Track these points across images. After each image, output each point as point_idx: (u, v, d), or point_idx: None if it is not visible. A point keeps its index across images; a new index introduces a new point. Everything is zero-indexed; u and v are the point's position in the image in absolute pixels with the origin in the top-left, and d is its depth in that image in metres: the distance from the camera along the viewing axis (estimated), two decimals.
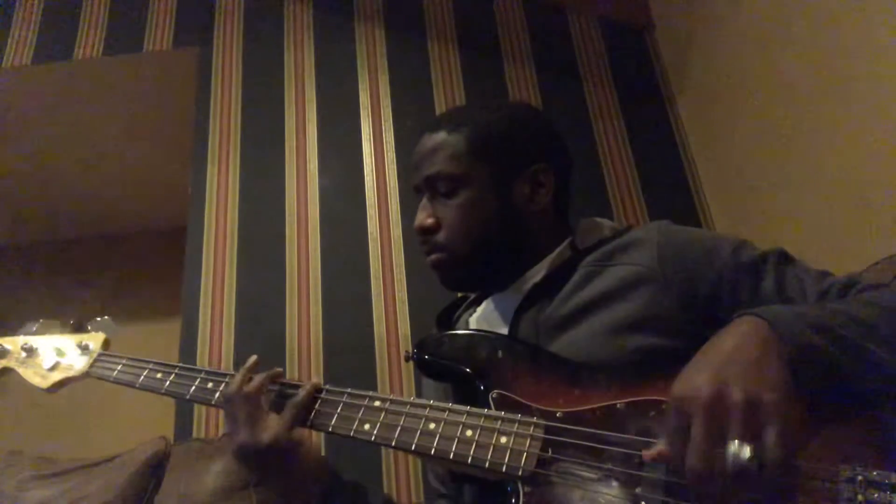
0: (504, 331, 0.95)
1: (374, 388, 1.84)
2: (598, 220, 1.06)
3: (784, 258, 0.87)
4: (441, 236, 0.99)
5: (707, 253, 0.88)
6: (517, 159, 1.02)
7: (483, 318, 1.05)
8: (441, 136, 1.02)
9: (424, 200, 1.03)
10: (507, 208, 0.99)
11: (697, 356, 0.67)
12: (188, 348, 1.94)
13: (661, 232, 0.92)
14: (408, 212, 2.10)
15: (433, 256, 1.00)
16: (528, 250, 1.01)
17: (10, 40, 2.45)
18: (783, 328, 0.65)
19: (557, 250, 1.01)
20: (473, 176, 0.99)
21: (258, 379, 0.93)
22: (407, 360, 0.91)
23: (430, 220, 1.00)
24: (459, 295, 1.19)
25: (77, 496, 1.65)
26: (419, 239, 1.03)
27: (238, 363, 1.87)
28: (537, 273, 0.99)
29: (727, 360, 0.63)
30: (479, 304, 1.09)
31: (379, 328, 1.94)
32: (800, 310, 0.71)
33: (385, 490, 1.70)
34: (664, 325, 0.84)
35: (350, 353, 1.90)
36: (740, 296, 0.84)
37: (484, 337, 0.91)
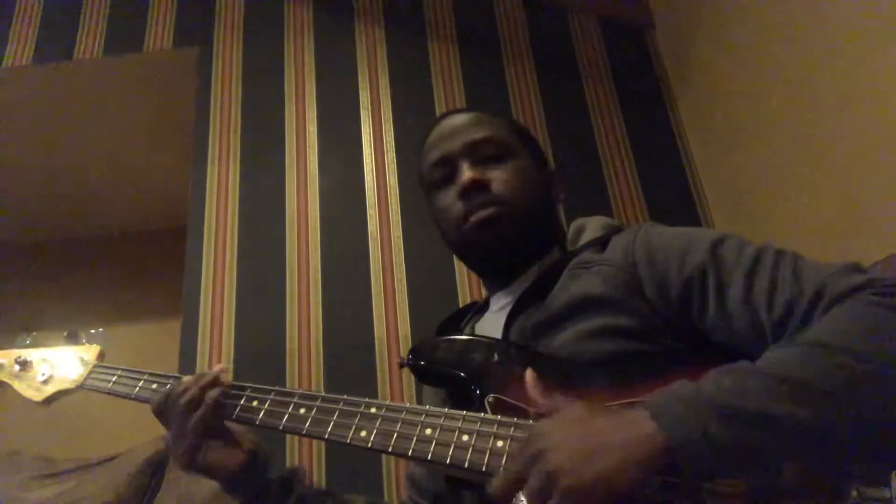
0: (499, 336, 0.94)
1: (374, 388, 1.84)
2: (591, 218, 1.05)
3: (762, 257, 0.79)
4: (498, 189, 0.97)
5: (680, 254, 0.83)
6: (542, 156, 1.09)
7: (485, 324, 1.05)
8: (477, 115, 1.06)
9: (465, 164, 0.99)
10: (545, 187, 1.04)
11: (578, 414, 0.66)
12: (188, 348, 1.94)
13: (641, 232, 0.90)
14: (408, 212, 2.10)
15: (487, 211, 0.96)
16: (547, 238, 1.03)
17: (10, 40, 2.45)
18: (669, 424, 0.60)
19: (548, 255, 1.01)
20: (520, 151, 1.03)
21: (192, 393, 0.93)
22: (401, 366, 0.91)
23: (484, 175, 0.97)
24: (465, 300, 1.19)
25: (77, 496, 1.66)
26: (464, 200, 0.97)
27: (238, 363, 1.90)
28: (528, 278, 0.99)
29: (581, 434, 0.62)
30: (485, 310, 1.08)
31: (379, 328, 1.94)
32: (706, 387, 0.63)
33: (385, 494, 1.70)
34: (642, 329, 0.82)
35: (350, 353, 1.90)
36: (708, 300, 0.80)
37: (479, 342, 0.91)
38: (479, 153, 0.99)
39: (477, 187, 0.97)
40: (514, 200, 0.97)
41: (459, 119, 1.05)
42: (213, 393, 0.93)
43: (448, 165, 1.01)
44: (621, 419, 0.63)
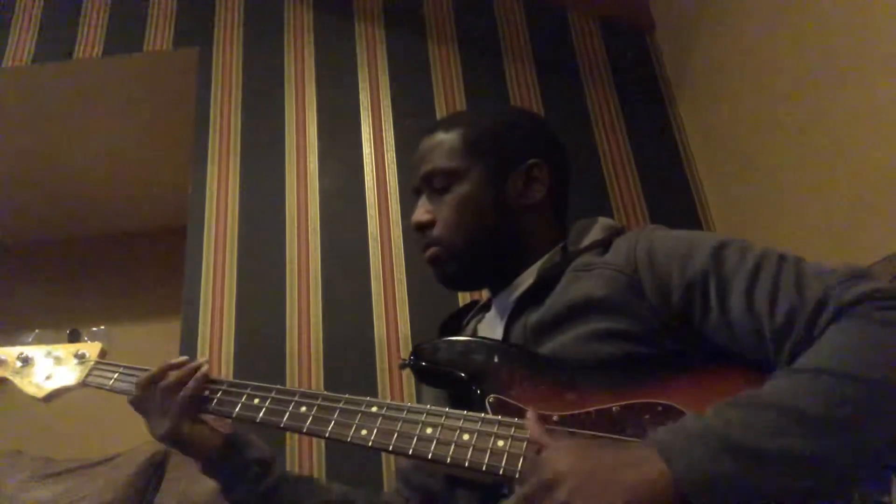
0: (499, 337, 0.95)
1: (374, 388, 1.84)
2: (594, 219, 1.04)
3: (764, 262, 0.78)
4: (436, 231, 1.01)
5: (682, 258, 0.83)
6: (512, 155, 1.03)
7: (486, 324, 1.05)
8: (438, 136, 1.05)
9: (422, 199, 1.05)
10: (501, 202, 1.01)
11: (588, 447, 0.67)
12: (188, 348, 1.93)
13: (643, 235, 0.90)
14: (408, 212, 2.08)
15: (429, 252, 1.02)
16: (521, 249, 1.02)
17: (10, 40, 2.45)
18: (681, 466, 0.60)
19: (548, 254, 1.00)
20: (468, 171, 1.01)
21: (175, 375, 0.98)
22: (402, 367, 0.91)
23: (426, 216, 1.02)
24: (465, 300, 1.19)
25: (77, 496, 1.66)
26: (417, 237, 1.04)
27: (238, 363, 1.90)
28: (528, 278, 0.99)
29: (593, 466, 0.63)
30: (488, 309, 1.08)
31: (379, 328, 1.94)
32: (713, 423, 0.63)
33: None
34: (643, 332, 0.82)
35: (350, 354, 1.90)
36: (709, 305, 0.79)
37: (480, 342, 0.92)
38: (432, 184, 1.03)
39: (422, 227, 1.03)
40: (451, 239, 1.00)
41: (425, 144, 1.06)
42: (199, 373, 0.99)
43: (419, 195, 1.07)
44: (630, 455, 0.63)
